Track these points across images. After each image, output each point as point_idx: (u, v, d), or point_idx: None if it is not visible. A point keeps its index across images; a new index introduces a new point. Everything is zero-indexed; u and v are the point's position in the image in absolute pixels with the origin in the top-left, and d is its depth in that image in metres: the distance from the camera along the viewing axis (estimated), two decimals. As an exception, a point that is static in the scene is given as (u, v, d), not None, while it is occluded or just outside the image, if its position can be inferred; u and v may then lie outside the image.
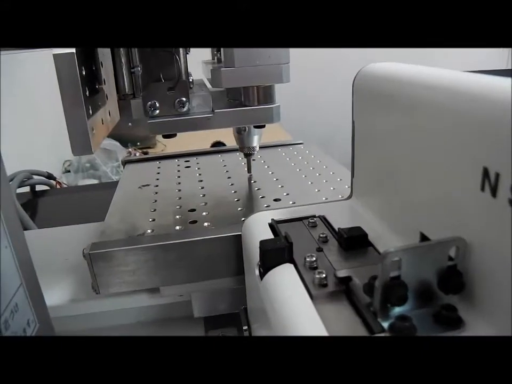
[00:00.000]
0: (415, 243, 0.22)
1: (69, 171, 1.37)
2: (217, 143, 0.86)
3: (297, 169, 0.59)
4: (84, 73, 0.36)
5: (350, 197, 0.39)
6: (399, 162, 0.30)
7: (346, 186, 0.51)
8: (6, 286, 0.28)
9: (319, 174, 0.56)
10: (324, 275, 0.27)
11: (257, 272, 0.31)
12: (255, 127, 0.51)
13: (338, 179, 0.54)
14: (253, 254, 0.33)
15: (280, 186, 0.53)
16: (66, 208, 0.81)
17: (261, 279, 0.30)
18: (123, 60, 0.48)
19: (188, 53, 0.51)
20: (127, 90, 0.49)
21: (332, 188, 0.52)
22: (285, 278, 0.28)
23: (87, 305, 0.45)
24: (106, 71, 0.45)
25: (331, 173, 0.57)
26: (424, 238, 0.27)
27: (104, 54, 0.45)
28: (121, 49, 0.48)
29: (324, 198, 0.49)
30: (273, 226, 0.35)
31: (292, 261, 0.29)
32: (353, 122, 0.37)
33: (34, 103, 1.19)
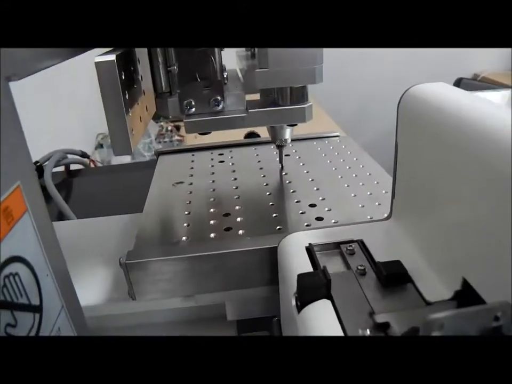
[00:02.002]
0: (460, 309, 0.21)
1: (102, 144, 1.39)
2: (251, 134, 0.85)
3: (333, 168, 0.58)
4: (123, 77, 0.37)
5: (389, 217, 0.38)
6: (444, 198, 0.29)
7: (383, 192, 0.50)
8: (49, 313, 0.29)
9: (356, 175, 0.55)
10: (362, 316, 0.27)
11: (293, 302, 0.31)
12: (288, 125, 0.53)
13: (375, 182, 0.53)
14: (289, 278, 0.33)
15: (315, 188, 0.53)
16: (100, 190, 0.83)
17: (298, 312, 0.30)
18: (160, 59, 0.49)
19: (222, 50, 0.51)
20: (163, 88, 0.50)
21: (368, 193, 0.50)
22: (322, 316, 0.28)
23: (120, 306, 0.46)
24: (143, 66, 0.45)
25: (368, 173, 0.56)
26: (466, 285, 0.26)
27: (141, 51, 0.45)
28: (158, 48, 0.48)
29: (360, 205, 0.48)
30: (310, 250, 0.35)
31: (329, 296, 0.29)
32: (396, 143, 0.35)
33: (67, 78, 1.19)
